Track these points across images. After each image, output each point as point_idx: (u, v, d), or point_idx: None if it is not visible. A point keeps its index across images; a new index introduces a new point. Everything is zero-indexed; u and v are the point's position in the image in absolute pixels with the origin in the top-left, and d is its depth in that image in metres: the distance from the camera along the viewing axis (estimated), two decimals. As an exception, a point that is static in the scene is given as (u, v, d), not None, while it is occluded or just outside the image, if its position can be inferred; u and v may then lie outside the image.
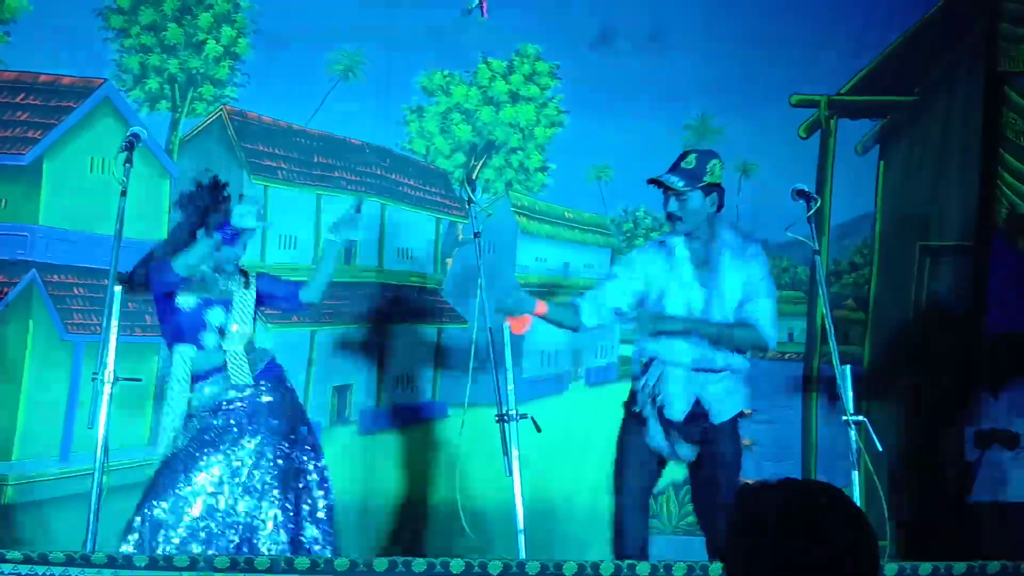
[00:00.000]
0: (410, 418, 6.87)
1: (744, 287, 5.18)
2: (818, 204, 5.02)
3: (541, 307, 5.11)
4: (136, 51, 6.64)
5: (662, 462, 5.26)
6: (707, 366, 5.18)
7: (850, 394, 4.73)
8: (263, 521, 5.06)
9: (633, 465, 5.18)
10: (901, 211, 7.02)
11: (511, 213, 6.97)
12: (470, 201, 4.98)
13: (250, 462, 5.10)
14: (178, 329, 5.19)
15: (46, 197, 6.41)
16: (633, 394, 5.26)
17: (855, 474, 4.64)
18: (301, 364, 6.72)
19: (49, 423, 6.34)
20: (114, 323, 4.49)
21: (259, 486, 5.09)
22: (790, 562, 2.16)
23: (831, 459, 6.60)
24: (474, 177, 6.83)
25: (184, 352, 5.16)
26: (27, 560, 3.96)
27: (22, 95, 6.47)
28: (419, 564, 4.09)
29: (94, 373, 4.50)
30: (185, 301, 5.16)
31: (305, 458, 5.26)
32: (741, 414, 5.34)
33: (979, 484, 6.65)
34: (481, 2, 6.68)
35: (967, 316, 6.95)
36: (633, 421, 5.20)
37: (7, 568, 3.96)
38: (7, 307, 6.32)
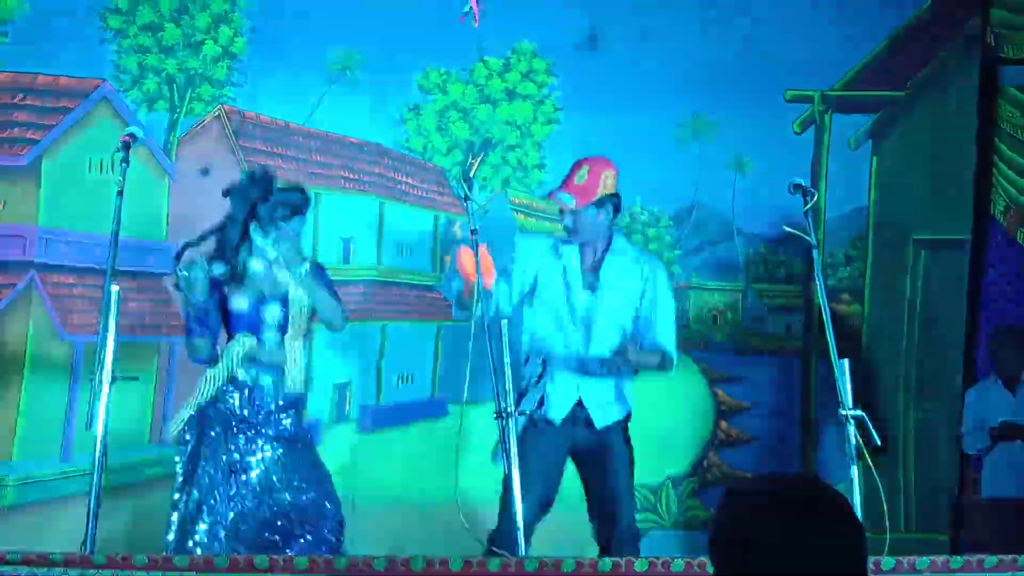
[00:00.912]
0: (410, 415, 6.88)
1: (641, 300, 5.29)
2: (815, 198, 5.03)
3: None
4: (134, 51, 6.65)
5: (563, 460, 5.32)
6: (593, 372, 5.26)
7: (848, 388, 4.73)
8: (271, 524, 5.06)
9: (538, 464, 5.15)
10: (894, 205, 7.03)
11: (509, 210, 6.98)
12: (467, 198, 4.97)
13: (262, 467, 5.07)
14: (236, 326, 5.10)
15: (45, 198, 6.42)
16: (520, 393, 5.30)
17: (853, 468, 4.64)
18: (301, 362, 6.74)
19: (48, 423, 6.35)
20: (112, 323, 4.50)
21: (265, 492, 5.07)
22: (775, 560, 2.16)
23: (830, 453, 6.61)
24: (471, 174, 6.83)
25: (244, 338, 5.08)
26: (26, 561, 3.96)
27: (20, 96, 6.48)
28: (418, 562, 4.10)
29: (92, 373, 4.50)
30: (239, 303, 5.07)
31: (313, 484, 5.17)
32: (627, 417, 5.37)
33: (993, 478, 6.64)
34: (472, 11, 6.68)
35: (963, 309, 6.96)
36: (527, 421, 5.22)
37: (6, 569, 3.96)
38: (7, 308, 6.34)
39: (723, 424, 7.09)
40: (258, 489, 4.99)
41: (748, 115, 6.92)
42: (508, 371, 4.69)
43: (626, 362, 5.22)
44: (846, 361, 4.76)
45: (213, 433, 5.01)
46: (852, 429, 4.66)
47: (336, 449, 6.76)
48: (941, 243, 6.99)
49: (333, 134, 6.83)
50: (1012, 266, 7.10)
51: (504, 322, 4.79)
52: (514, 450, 4.65)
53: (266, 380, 5.09)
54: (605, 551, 5.20)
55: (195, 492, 4.92)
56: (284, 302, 5.12)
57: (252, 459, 5.02)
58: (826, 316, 4.83)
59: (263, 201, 5.07)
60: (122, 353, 4.62)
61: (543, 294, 5.33)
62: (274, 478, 5.02)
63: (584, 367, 5.26)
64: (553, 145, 6.98)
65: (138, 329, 6.42)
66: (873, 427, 4.64)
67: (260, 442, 5.04)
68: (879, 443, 4.67)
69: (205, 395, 5.05)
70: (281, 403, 5.09)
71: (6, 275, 6.36)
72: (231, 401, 5.05)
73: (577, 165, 5.29)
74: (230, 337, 5.11)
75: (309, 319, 5.18)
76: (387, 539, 6.28)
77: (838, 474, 6.13)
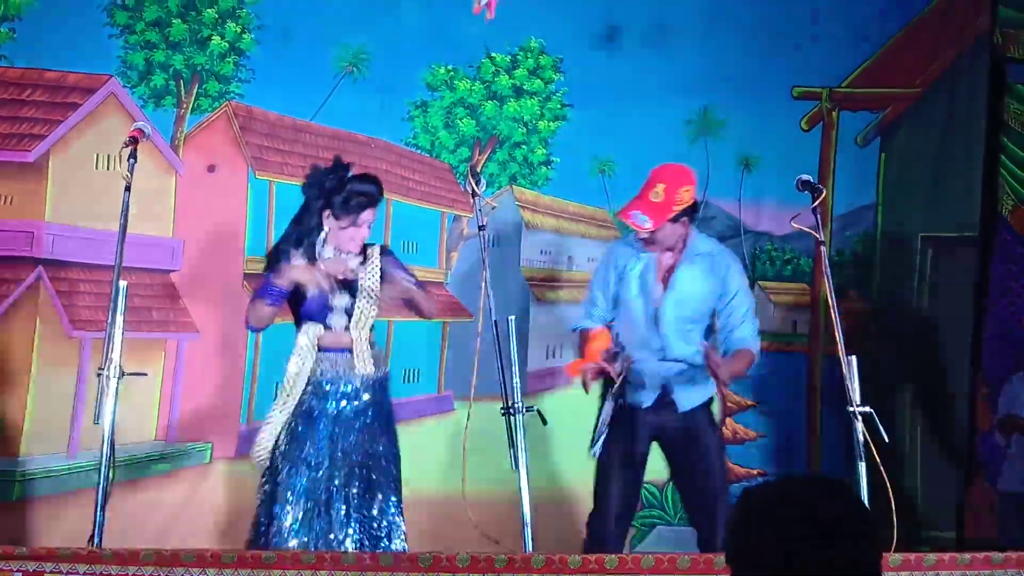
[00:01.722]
0: (416, 411, 6.88)
1: (719, 298, 5.29)
2: (823, 195, 5.02)
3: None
4: (141, 47, 6.64)
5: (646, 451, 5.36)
6: (669, 356, 5.28)
7: (856, 385, 4.72)
8: (336, 515, 5.13)
9: (624, 449, 5.25)
10: (902, 202, 7.03)
11: (515, 207, 6.98)
12: (474, 194, 4.98)
13: (338, 455, 5.18)
14: (306, 312, 5.24)
15: (52, 194, 6.42)
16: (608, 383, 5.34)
17: (861, 465, 4.63)
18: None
19: (56, 419, 6.35)
20: (119, 318, 4.50)
21: (339, 480, 5.16)
22: (791, 558, 2.16)
23: (837, 450, 6.61)
24: (479, 171, 6.84)
25: (311, 328, 5.23)
26: (33, 555, 3.97)
27: (28, 92, 6.48)
28: (425, 558, 4.10)
29: (100, 368, 4.51)
30: (310, 289, 5.19)
31: (383, 464, 5.29)
32: (711, 402, 5.39)
33: (1009, 473, 6.61)
34: (489, 2, 6.70)
35: (971, 306, 6.96)
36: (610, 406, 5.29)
37: (14, 564, 3.97)
38: (14, 304, 6.34)
39: (729, 421, 7.09)
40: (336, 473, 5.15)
41: (756, 112, 6.92)
42: (515, 367, 4.69)
43: (723, 380, 5.27)
44: (854, 358, 4.76)
45: (300, 428, 5.17)
46: (860, 426, 4.66)
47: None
48: (949, 241, 6.98)
49: (340, 131, 6.83)
50: (1020, 264, 7.09)
51: (511, 318, 4.79)
52: (522, 446, 4.65)
53: (335, 367, 5.23)
54: (700, 534, 5.24)
55: (279, 488, 5.08)
56: (353, 289, 5.23)
57: (329, 444, 5.17)
58: (834, 312, 4.83)
59: (337, 191, 5.14)
60: (129, 349, 4.63)
61: (623, 294, 5.36)
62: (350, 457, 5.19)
63: (666, 368, 5.29)
64: (560, 142, 6.99)
65: (145, 325, 6.42)
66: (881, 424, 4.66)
67: (336, 428, 5.18)
68: (887, 440, 4.67)
69: (294, 396, 5.21)
70: (351, 386, 5.22)
71: (13, 271, 6.35)
72: (309, 393, 5.21)
73: (653, 179, 5.21)
74: (299, 325, 5.25)
75: (376, 305, 5.28)
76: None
77: (843, 472, 6.16)
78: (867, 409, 4.67)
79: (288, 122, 6.78)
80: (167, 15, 6.64)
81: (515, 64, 6.96)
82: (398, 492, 5.28)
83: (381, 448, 5.24)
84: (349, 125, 6.84)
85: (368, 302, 5.25)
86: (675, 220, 5.18)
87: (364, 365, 5.24)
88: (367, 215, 5.22)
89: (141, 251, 6.33)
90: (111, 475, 4.45)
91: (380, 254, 5.33)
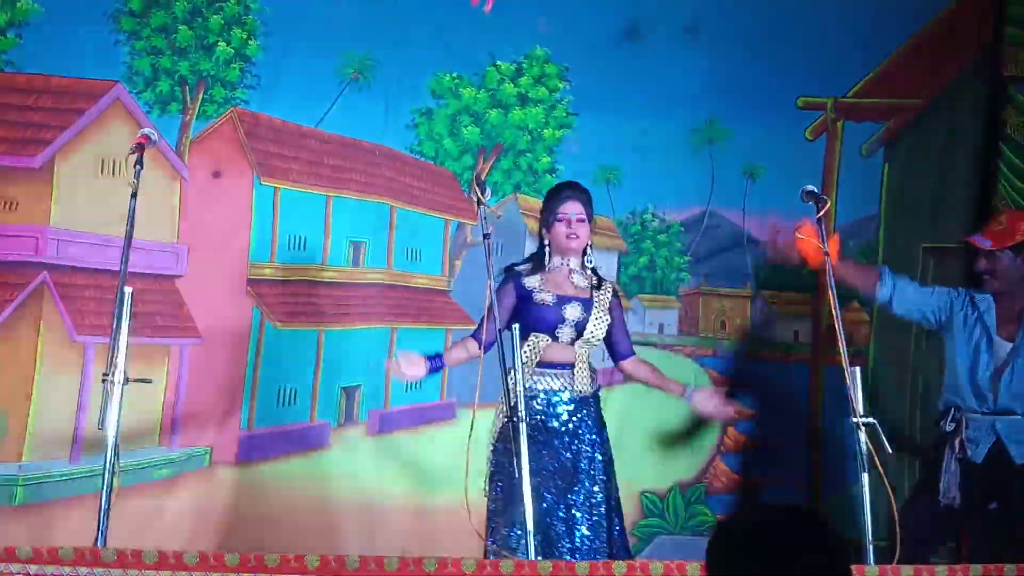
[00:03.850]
0: (419, 419, 6.89)
1: None
2: (827, 205, 5.03)
3: None
4: (147, 53, 6.64)
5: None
6: (1004, 411, 5.33)
7: (859, 395, 4.73)
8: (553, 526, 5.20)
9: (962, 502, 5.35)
10: (905, 212, 7.04)
11: (519, 215, 6.98)
12: (479, 202, 4.99)
13: (559, 467, 5.24)
14: (537, 321, 5.29)
15: (58, 199, 6.42)
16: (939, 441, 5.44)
17: (864, 476, 4.64)
18: (309, 365, 6.74)
19: (60, 423, 6.34)
20: (124, 324, 4.51)
21: (553, 492, 5.21)
22: None
23: (840, 462, 6.60)
24: (483, 179, 6.85)
25: (538, 339, 5.27)
26: (36, 556, 3.97)
27: (34, 97, 6.48)
28: (430, 563, 4.10)
29: (104, 374, 4.51)
30: (543, 297, 5.28)
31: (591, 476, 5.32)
32: None
33: None
34: None
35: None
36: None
37: (16, 567, 3.97)
38: (18, 308, 6.34)
39: (730, 430, 7.09)
40: (553, 487, 5.20)
41: (761, 122, 6.93)
42: (519, 375, 4.69)
43: None
44: (857, 369, 4.77)
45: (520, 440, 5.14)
46: (863, 436, 4.66)
47: (345, 452, 6.77)
48: (950, 251, 6.98)
49: (345, 137, 6.84)
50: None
51: (516, 326, 4.79)
52: (524, 452, 4.65)
53: (555, 381, 5.28)
54: None
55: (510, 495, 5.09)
56: (587, 306, 5.32)
57: (547, 456, 5.21)
58: (838, 323, 4.83)
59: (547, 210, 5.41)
60: (133, 354, 4.64)
61: (959, 343, 5.42)
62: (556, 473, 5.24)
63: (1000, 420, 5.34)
64: (565, 150, 7.00)
65: (149, 330, 6.42)
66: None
67: (552, 442, 5.24)
68: (890, 451, 4.67)
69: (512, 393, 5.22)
70: (565, 404, 5.28)
71: (19, 275, 6.35)
72: (531, 406, 5.20)
73: (996, 215, 5.47)
74: (525, 336, 5.22)
75: (604, 329, 5.36)
76: (396, 541, 6.29)
77: (844, 482, 6.15)
78: (870, 420, 4.68)
79: (293, 128, 6.78)
80: (173, 21, 6.65)
81: (520, 72, 6.97)
82: (609, 497, 5.31)
83: (589, 462, 5.28)
84: (354, 132, 6.85)
85: (600, 321, 5.33)
86: (1016, 252, 5.23)
87: (582, 384, 5.30)
88: (570, 206, 5.37)
89: (146, 257, 6.34)
90: (115, 480, 4.46)
91: (612, 302, 5.43)
